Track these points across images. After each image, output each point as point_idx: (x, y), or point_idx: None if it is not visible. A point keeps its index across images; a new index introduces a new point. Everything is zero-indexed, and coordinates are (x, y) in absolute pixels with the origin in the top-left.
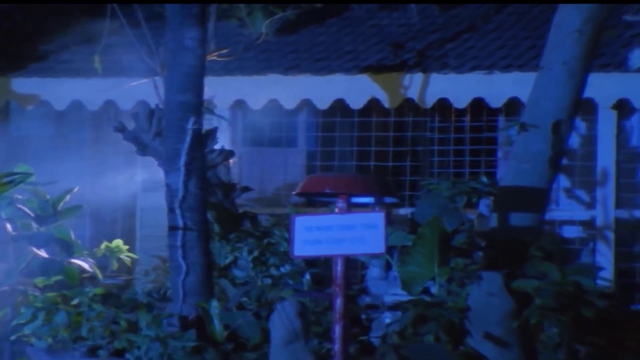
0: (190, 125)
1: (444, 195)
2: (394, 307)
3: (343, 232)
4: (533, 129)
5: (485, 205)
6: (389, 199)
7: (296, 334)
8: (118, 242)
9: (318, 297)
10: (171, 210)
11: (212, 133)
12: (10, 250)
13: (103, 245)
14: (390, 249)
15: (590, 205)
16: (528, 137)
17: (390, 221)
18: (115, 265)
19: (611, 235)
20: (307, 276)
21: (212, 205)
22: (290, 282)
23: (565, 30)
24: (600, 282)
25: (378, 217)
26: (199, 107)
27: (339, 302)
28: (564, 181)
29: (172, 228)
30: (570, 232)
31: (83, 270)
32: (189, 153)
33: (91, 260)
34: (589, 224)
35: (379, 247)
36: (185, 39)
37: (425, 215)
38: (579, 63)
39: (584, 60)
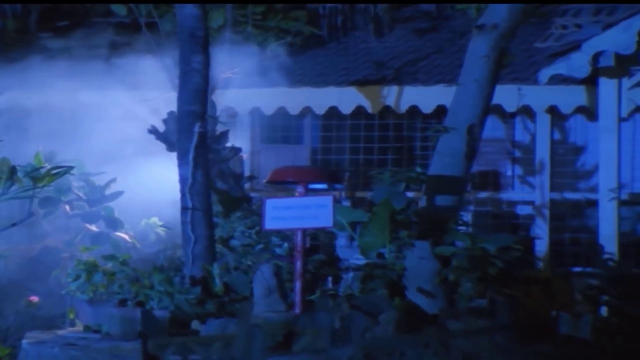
0: (196, 128)
1: (387, 183)
2: (356, 269)
3: (301, 211)
4: (453, 131)
5: None
6: (338, 186)
7: (271, 289)
8: (154, 219)
9: (284, 260)
10: (182, 194)
11: (225, 134)
12: (69, 226)
13: (143, 222)
14: (353, 224)
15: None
16: (449, 137)
17: (354, 203)
18: (153, 236)
19: (547, 212)
20: (286, 245)
21: (217, 191)
22: (278, 250)
23: (476, 55)
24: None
25: (327, 199)
26: (203, 115)
27: (298, 264)
28: (517, 170)
29: (184, 208)
30: (521, 210)
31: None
32: (196, 150)
33: (131, 233)
34: (532, 204)
35: (328, 222)
36: (193, 62)
37: (379, 198)
38: (486, 81)
39: (490, 78)
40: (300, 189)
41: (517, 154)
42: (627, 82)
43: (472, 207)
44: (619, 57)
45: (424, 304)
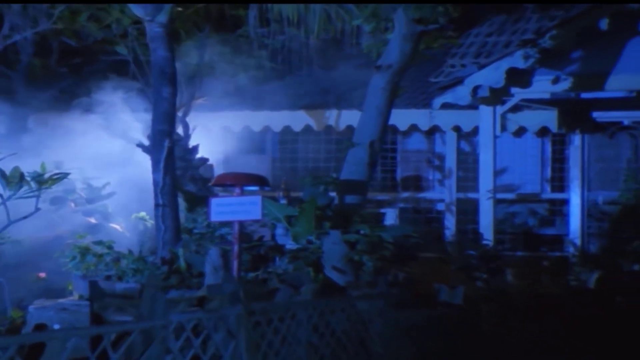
0: (166, 143)
1: (309, 185)
2: (289, 252)
3: (237, 207)
4: (358, 145)
5: None
6: (266, 188)
7: (217, 268)
8: (143, 214)
9: (226, 245)
10: (155, 194)
11: (196, 148)
12: (73, 219)
13: (133, 216)
14: (288, 217)
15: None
16: (356, 150)
17: (290, 202)
18: (141, 227)
19: (454, 208)
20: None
21: (183, 192)
22: (229, 237)
23: (376, 87)
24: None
25: (257, 198)
26: (171, 133)
27: (235, 248)
28: (437, 175)
29: (156, 205)
30: (438, 206)
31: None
32: (166, 160)
33: (122, 224)
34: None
35: (257, 215)
36: (163, 92)
37: (308, 197)
38: (384, 107)
39: (387, 105)
40: (237, 190)
41: (436, 162)
42: (500, 109)
43: (400, 204)
44: (492, 90)
45: (337, 279)
